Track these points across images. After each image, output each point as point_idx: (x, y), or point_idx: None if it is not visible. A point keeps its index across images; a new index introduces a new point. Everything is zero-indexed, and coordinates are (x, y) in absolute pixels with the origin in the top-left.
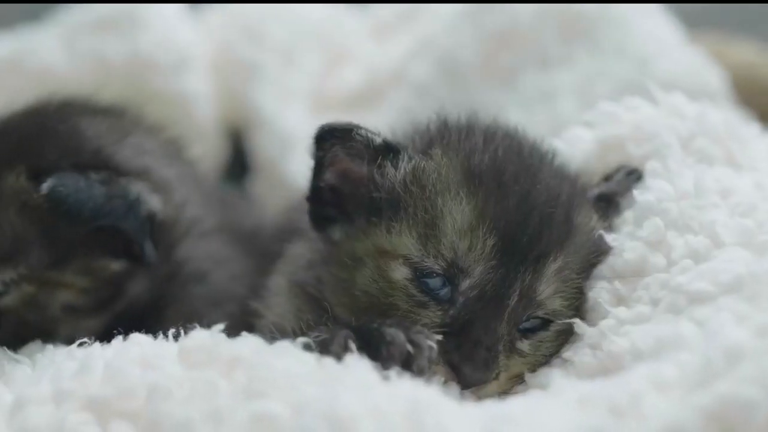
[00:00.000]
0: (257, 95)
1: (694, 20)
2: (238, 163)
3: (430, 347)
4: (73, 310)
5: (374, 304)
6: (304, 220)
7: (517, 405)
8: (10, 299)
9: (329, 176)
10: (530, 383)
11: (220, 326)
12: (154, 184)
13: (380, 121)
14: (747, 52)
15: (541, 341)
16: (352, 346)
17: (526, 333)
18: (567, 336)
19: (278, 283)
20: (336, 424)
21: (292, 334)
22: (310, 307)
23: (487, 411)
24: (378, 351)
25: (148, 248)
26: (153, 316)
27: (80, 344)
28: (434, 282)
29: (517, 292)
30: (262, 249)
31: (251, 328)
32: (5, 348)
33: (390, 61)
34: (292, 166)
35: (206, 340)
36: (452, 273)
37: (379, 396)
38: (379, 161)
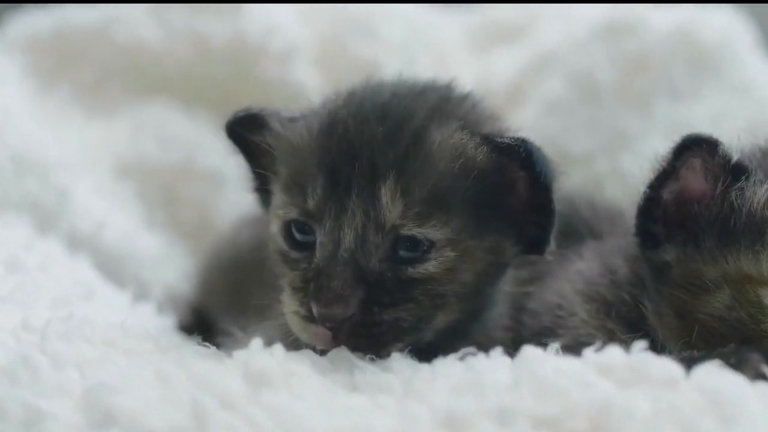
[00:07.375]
0: None
1: None
2: None
3: None
4: (462, 291)
5: (735, 330)
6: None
7: None
8: (432, 266)
9: (667, 190)
10: None
11: (641, 344)
12: None
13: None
14: None
15: None
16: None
17: None
18: None
19: (574, 301)
20: None
21: None
22: (622, 328)
23: None
24: None
25: (552, 238)
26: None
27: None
28: None
29: None
30: None
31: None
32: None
33: (501, 76)
34: None
35: (629, 357)
36: None
37: None
38: (741, 182)
